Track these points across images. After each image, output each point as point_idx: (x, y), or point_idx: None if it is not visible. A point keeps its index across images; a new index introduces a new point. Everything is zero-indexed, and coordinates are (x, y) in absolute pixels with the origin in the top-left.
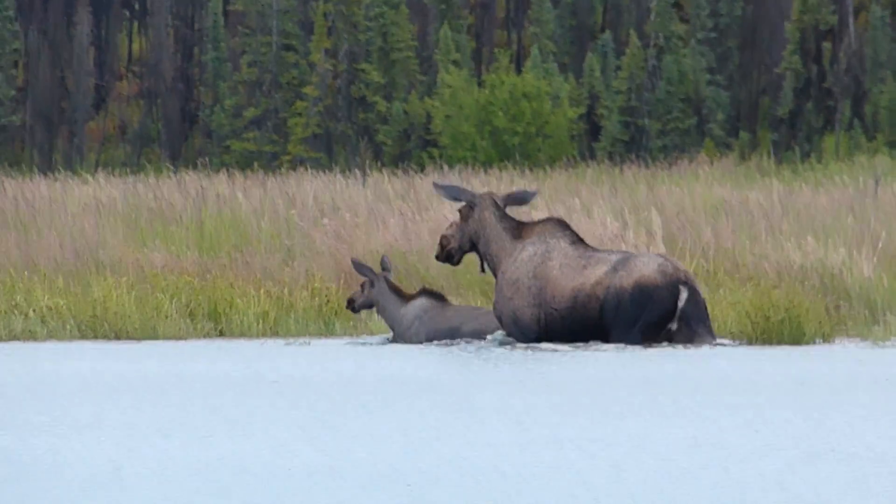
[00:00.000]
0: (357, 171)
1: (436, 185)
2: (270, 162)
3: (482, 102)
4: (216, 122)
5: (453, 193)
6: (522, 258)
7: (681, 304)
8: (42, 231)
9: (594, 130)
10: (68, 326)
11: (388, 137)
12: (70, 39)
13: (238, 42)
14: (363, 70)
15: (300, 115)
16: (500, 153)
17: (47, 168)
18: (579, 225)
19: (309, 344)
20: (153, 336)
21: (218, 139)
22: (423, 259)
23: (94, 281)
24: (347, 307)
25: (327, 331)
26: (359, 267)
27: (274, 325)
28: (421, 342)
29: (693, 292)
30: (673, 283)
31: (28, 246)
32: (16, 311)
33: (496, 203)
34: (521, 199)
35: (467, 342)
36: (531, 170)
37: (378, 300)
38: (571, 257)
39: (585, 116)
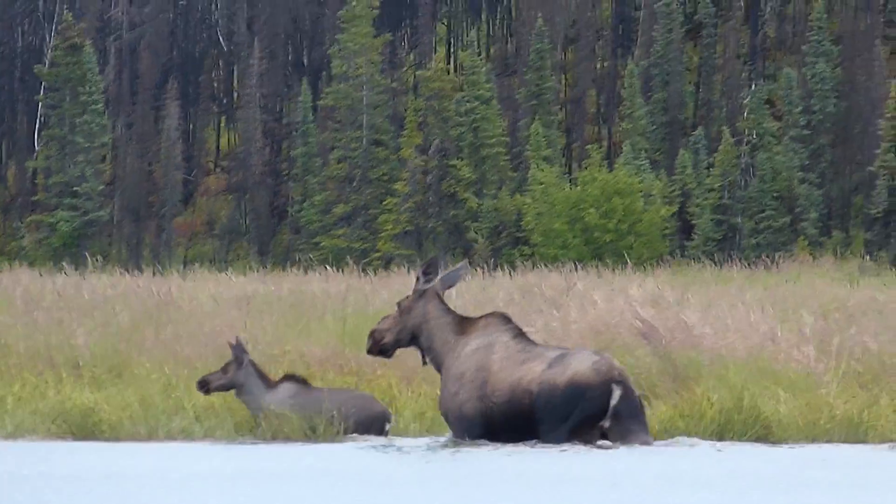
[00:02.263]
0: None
1: (431, 262)
2: (360, 259)
3: (573, 199)
4: (305, 218)
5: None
6: (466, 352)
7: (613, 402)
8: (186, 327)
9: (686, 228)
10: (225, 425)
11: (478, 234)
12: (158, 133)
13: (328, 137)
14: (454, 166)
15: (390, 211)
16: (592, 251)
17: (135, 263)
18: (728, 320)
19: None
20: (311, 438)
21: (307, 235)
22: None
23: None
24: (199, 388)
25: None
26: (237, 347)
27: (431, 426)
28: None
29: (627, 391)
30: (606, 382)
31: (174, 342)
32: (173, 410)
33: (440, 296)
34: (454, 281)
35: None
36: (630, 267)
37: (242, 382)
38: (513, 351)
39: (677, 214)
